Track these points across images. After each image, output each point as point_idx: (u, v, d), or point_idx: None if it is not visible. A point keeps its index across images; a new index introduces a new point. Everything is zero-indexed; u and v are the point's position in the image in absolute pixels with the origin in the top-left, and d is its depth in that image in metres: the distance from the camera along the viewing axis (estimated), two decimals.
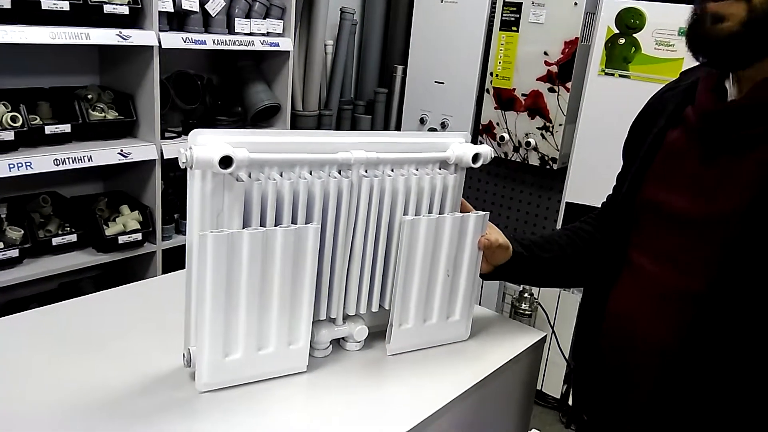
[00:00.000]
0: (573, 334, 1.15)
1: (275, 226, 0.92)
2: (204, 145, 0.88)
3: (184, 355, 0.96)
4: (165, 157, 2.25)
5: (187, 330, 0.94)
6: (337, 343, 1.08)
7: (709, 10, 0.81)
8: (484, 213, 1.07)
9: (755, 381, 0.83)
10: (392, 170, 1.01)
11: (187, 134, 2.38)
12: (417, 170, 1.03)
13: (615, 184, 1.12)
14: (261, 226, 0.92)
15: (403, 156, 1.01)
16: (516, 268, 1.12)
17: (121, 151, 2.12)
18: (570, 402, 1.27)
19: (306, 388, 0.97)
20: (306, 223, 0.94)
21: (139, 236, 2.23)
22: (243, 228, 0.90)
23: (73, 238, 2.13)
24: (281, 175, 0.93)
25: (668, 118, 0.95)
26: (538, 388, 2.74)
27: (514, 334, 1.19)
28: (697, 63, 0.90)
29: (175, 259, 2.35)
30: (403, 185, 1.01)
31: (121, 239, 2.18)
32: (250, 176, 0.91)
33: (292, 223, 0.94)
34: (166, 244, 2.36)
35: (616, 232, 1.00)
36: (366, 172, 0.99)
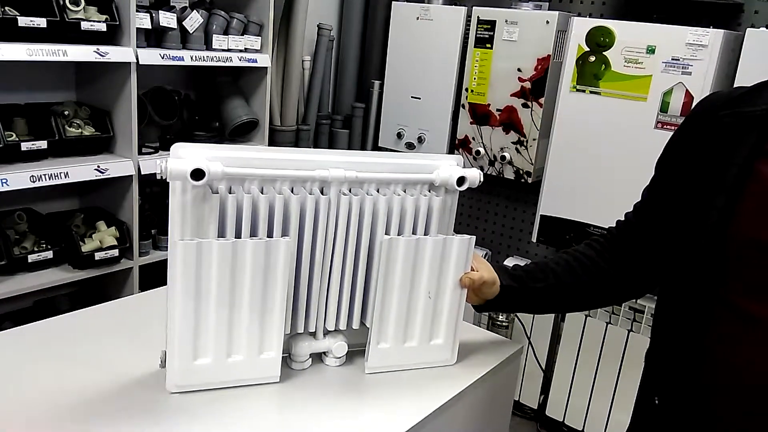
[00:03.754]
0: (649, 390, 1.02)
1: (250, 238, 0.94)
2: (181, 158, 0.89)
3: (160, 356, 0.98)
4: (142, 173, 2.25)
5: (165, 332, 0.96)
6: (318, 358, 1.09)
7: None
8: (468, 237, 1.07)
9: None
10: (377, 190, 1.03)
11: (164, 150, 2.41)
12: (404, 191, 1.04)
13: (643, 203, 1.07)
14: (237, 237, 0.94)
15: (384, 176, 1.03)
16: (507, 300, 1.11)
17: (98, 167, 2.12)
18: None
19: (278, 398, 0.99)
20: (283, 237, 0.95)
21: (115, 252, 2.21)
22: (219, 238, 0.92)
23: (49, 255, 2.11)
24: (262, 191, 0.95)
25: (752, 148, 0.87)
26: (515, 398, 2.76)
27: (491, 346, 1.21)
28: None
29: (152, 275, 2.34)
30: (385, 205, 1.02)
31: (98, 255, 2.17)
32: (231, 190, 0.93)
33: (268, 236, 0.95)
34: (143, 260, 2.35)
35: (698, 273, 0.90)
36: (350, 190, 1.01)
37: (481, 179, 1.07)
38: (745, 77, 1.94)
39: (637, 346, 2.42)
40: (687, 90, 2.04)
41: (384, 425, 0.94)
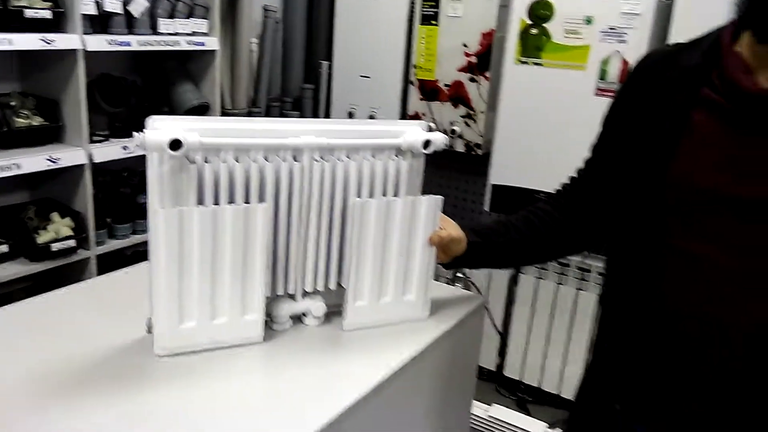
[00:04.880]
0: (604, 329, 1.08)
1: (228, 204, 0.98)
2: (159, 129, 0.93)
3: (146, 323, 1.03)
4: (94, 161, 2.23)
5: (150, 300, 0.99)
6: (299, 320, 1.15)
7: None
8: (437, 197, 1.13)
9: None
10: (348, 156, 1.08)
11: (114, 137, 2.39)
12: (373, 156, 1.10)
13: (591, 158, 1.14)
14: (216, 205, 0.98)
15: (354, 142, 1.07)
16: (474, 255, 1.18)
17: (50, 157, 2.09)
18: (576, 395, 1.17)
19: (261, 357, 1.04)
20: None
21: (72, 243, 2.19)
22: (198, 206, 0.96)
23: (5, 248, 2.08)
24: (237, 160, 0.99)
25: (686, 98, 0.94)
26: None
27: (458, 300, 1.29)
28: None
29: (109, 264, 2.32)
30: (356, 170, 1.08)
31: (54, 247, 2.15)
32: (207, 160, 0.96)
33: (245, 203, 1.00)
34: (100, 249, 2.33)
35: (645, 220, 0.97)
36: (321, 157, 1.05)
37: (446, 142, 1.14)
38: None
39: (586, 304, 2.56)
40: (623, 58, 2.16)
41: (362, 375, 0.99)
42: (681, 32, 2.06)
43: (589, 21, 2.18)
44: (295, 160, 1.04)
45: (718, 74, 0.93)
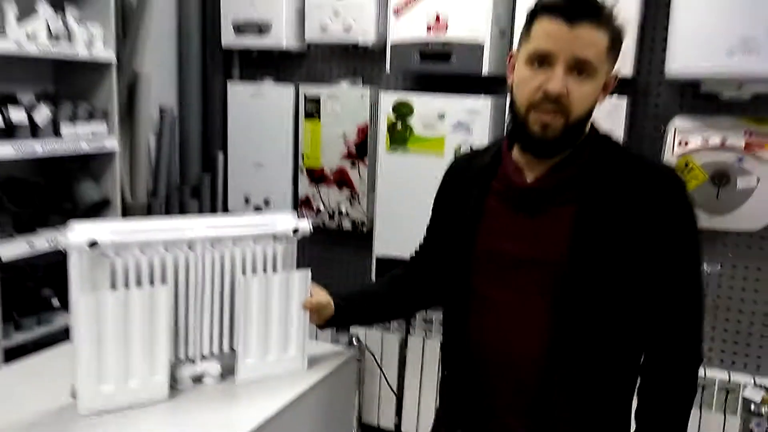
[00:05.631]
0: (443, 368, 1.37)
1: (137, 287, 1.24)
2: (78, 232, 1.18)
3: (71, 389, 1.23)
4: (1, 259, 2.35)
5: (73, 370, 1.20)
6: (199, 379, 1.39)
7: (540, 121, 1.15)
8: (305, 270, 1.43)
9: (605, 375, 1.20)
10: (233, 244, 1.36)
11: (19, 233, 2.53)
12: (254, 242, 1.39)
13: (426, 235, 1.49)
14: (126, 289, 1.23)
15: (237, 232, 1.36)
16: (343, 316, 1.47)
17: None
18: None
19: (168, 411, 1.28)
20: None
21: None
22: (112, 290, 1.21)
23: None
24: (143, 252, 1.25)
25: (481, 189, 1.29)
26: (374, 423, 3.12)
27: (334, 355, 1.57)
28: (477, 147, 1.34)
29: (15, 357, 2.41)
30: (240, 255, 1.37)
31: None
32: (118, 254, 1.22)
33: (150, 286, 1.25)
34: (6, 343, 2.42)
35: (459, 276, 1.28)
36: (212, 246, 1.33)
37: (311, 229, 1.45)
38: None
39: None
40: (471, 146, 2.59)
41: (251, 417, 1.25)
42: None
43: (441, 116, 2.62)
44: (191, 250, 1.31)
45: (501, 172, 1.31)
